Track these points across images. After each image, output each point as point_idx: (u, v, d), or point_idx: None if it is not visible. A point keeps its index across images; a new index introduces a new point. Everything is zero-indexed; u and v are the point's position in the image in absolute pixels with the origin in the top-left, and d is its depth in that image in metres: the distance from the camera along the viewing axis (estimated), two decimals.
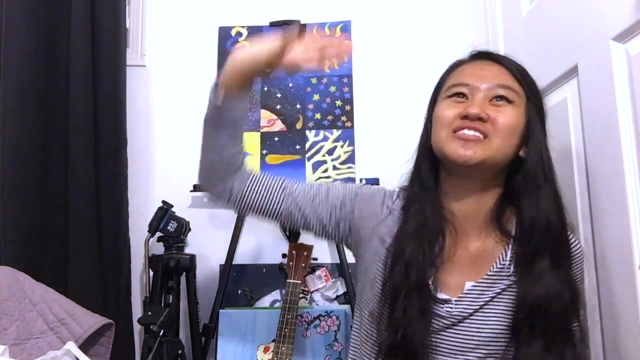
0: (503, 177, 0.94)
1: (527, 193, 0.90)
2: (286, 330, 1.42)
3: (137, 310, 1.69)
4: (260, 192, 0.99)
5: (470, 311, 0.90)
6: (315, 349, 1.56)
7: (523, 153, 0.92)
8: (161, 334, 1.36)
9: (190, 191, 1.72)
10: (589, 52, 1.04)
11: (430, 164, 0.96)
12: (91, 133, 1.62)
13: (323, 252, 1.69)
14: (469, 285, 0.91)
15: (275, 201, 0.99)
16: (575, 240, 0.94)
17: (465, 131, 0.87)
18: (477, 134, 0.87)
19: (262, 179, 1.00)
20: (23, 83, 1.55)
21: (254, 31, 1.80)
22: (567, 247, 0.91)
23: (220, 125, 0.94)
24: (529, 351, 0.85)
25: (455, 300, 0.90)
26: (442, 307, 0.90)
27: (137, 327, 1.67)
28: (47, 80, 1.61)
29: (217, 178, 0.98)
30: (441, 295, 0.91)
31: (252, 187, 0.99)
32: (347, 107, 1.72)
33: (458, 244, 0.94)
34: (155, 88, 1.86)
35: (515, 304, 0.88)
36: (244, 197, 0.98)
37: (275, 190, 0.99)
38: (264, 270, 1.70)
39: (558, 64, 1.16)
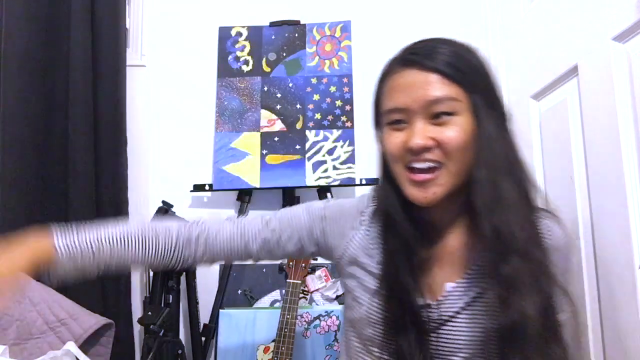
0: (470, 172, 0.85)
1: (483, 203, 0.80)
2: (286, 330, 1.42)
3: (137, 310, 1.69)
4: (220, 252, 0.97)
5: (451, 314, 0.85)
6: (315, 349, 1.56)
7: None
8: (161, 334, 1.36)
9: (190, 191, 1.72)
10: (589, 52, 1.04)
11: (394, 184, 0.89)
12: (91, 133, 1.62)
13: None
14: (449, 287, 0.86)
15: (239, 253, 0.98)
16: (557, 230, 0.86)
17: (417, 165, 0.81)
18: (430, 164, 0.81)
19: (215, 239, 0.96)
20: (23, 83, 1.55)
21: (254, 31, 1.80)
22: (541, 254, 0.81)
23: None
24: None
25: (434, 305, 0.86)
26: (422, 313, 0.85)
27: (137, 327, 1.67)
28: (47, 80, 1.61)
29: (163, 260, 0.95)
30: (420, 301, 0.85)
31: (207, 251, 0.96)
32: (347, 107, 1.72)
33: (434, 246, 0.89)
34: (155, 88, 1.86)
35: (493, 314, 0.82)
36: (205, 259, 0.97)
37: (237, 244, 0.97)
38: (264, 270, 1.70)
39: (558, 64, 1.16)
